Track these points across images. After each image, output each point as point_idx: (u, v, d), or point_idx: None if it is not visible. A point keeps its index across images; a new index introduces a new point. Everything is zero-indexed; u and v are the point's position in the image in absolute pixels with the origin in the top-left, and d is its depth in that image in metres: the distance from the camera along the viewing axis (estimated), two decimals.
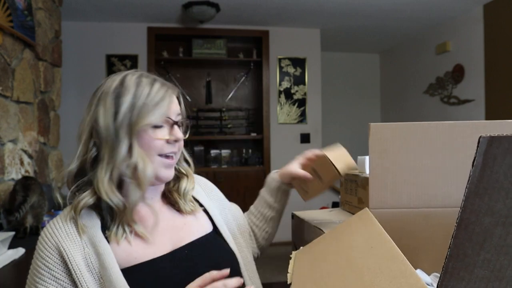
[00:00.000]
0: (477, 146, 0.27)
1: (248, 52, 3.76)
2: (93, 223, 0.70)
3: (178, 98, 0.78)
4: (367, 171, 1.07)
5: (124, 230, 0.70)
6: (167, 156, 0.73)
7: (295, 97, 3.77)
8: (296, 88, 3.77)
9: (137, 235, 0.71)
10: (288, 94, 3.76)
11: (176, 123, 0.74)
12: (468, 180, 0.28)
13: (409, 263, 0.42)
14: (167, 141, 0.72)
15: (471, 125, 0.68)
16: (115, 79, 0.73)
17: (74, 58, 3.25)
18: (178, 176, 0.83)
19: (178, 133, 0.74)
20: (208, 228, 0.83)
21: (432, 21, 3.50)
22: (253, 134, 3.73)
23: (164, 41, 3.61)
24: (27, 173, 2.07)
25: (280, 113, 3.75)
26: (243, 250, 0.86)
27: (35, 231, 1.67)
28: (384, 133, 0.70)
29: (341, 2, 3.01)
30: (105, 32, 3.39)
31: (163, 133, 0.72)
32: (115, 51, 3.41)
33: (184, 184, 0.82)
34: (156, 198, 0.79)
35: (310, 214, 1.28)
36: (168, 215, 0.79)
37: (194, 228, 0.80)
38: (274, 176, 0.98)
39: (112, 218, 0.71)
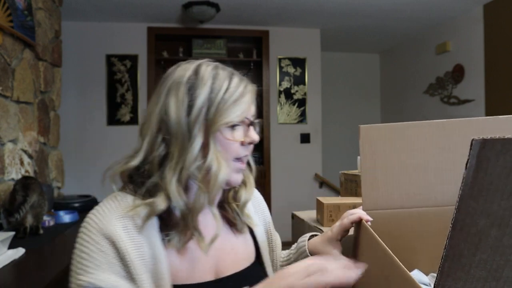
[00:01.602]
0: (470, 149, 0.27)
1: (248, 52, 3.76)
2: (152, 222, 0.61)
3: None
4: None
5: (180, 238, 0.62)
6: (239, 159, 0.66)
7: (295, 97, 3.77)
8: (296, 88, 3.77)
9: (185, 249, 0.63)
10: (288, 94, 3.76)
11: (252, 123, 0.67)
12: (462, 182, 0.29)
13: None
14: (242, 143, 0.65)
15: (462, 123, 0.69)
16: (188, 67, 0.66)
17: (74, 58, 3.25)
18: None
19: (254, 134, 0.66)
20: (252, 254, 0.74)
21: (432, 21, 3.50)
22: None
23: (164, 41, 3.61)
24: (27, 173, 2.07)
25: (280, 113, 3.75)
26: None
27: (35, 231, 1.67)
28: (374, 134, 0.70)
29: (341, 2, 3.01)
30: (105, 32, 3.39)
31: (239, 134, 0.65)
32: (115, 51, 3.41)
33: (243, 193, 0.73)
34: (215, 207, 0.69)
35: (310, 214, 1.28)
36: (221, 232, 0.69)
37: (240, 255, 0.71)
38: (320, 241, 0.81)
39: (172, 222, 0.62)
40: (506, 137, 0.26)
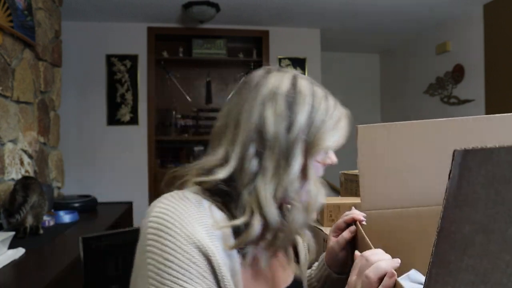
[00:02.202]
0: (452, 159, 0.28)
1: (248, 52, 3.76)
2: (228, 231, 0.56)
3: None
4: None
5: (265, 256, 0.59)
6: None
7: None
8: None
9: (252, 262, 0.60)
10: None
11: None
12: (445, 191, 0.29)
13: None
14: (324, 165, 0.63)
15: (460, 122, 0.69)
16: (283, 78, 0.61)
17: (74, 58, 3.26)
18: None
19: (334, 156, 0.64)
20: (293, 270, 0.71)
21: (432, 21, 3.50)
22: None
23: (164, 41, 3.61)
24: (27, 173, 2.08)
25: None
26: None
27: (35, 231, 1.68)
28: (371, 134, 0.71)
29: (341, 2, 3.01)
30: (105, 32, 3.40)
31: (323, 156, 0.63)
32: (115, 51, 3.41)
33: None
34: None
35: None
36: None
37: (286, 271, 0.69)
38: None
39: (250, 237, 0.56)
40: (487, 146, 0.26)
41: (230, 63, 3.81)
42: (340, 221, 0.73)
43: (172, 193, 0.58)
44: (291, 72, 0.64)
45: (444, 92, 3.54)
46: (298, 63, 3.76)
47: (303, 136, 0.58)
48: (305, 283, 0.75)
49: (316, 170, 0.60)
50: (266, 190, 0.55)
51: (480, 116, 0.70)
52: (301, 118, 0.58)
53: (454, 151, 0.27)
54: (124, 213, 2.41)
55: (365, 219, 0.70)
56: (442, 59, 3.57)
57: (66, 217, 2.01)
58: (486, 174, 0.28)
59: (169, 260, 0.50)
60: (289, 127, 0.57)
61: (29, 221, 1.66)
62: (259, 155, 0.57)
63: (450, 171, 0.29)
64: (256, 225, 0.55)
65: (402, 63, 4.28)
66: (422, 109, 3.90)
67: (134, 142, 3.41)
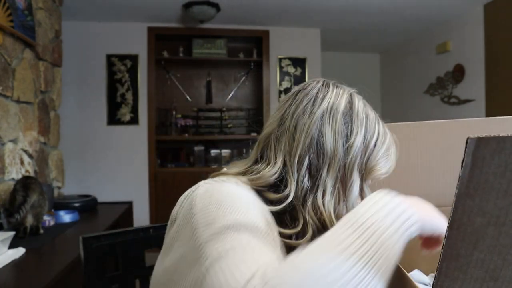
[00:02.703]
0: (465, 147, 0.27)
1: (248, 52, 3.76)
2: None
3: None
4: None
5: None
6: None
7: None
8: (296, 88, 3.77)
9: None
10: None
11: None
12: (458, 181, 0.29)
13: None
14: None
15: (463, 123, 0.69)
16: (341, 95, 0.62)
17: (74, 58, 3.25)
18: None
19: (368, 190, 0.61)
20: None
21: (432, 21, 3.50)
22: (253, 134, 3.73)
23: (164, 41, 3.61)
24: (27, 173, 2.08)
25: None
26: None
27: (35, 231, 1.67)
28: None
29: (341, 2, 3.01)
30: (105, 32, 3.40)
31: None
32: (115, 51, 3.41)
33: None
34: None
35: None
36: None
37: None
38: None
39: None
40: (500, 135, 0.26)
41: (230, 63, 3.81)
42: None
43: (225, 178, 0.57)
44: (347, 89, 0.65)
45: (444, 92, 3.54)
46: (298, 63, 3.76)
47: (359, 159, 0.58)
48: None
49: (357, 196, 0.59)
50: (328, 207, 0.56)
51: (487, 118, 0.70)
52: (358, 139, 0.58)
53: (468, 139, 0.27)
54: (124, 213, 2.40)
55: None
56: (442, 59, 3.57)
57: (66, 217, 2.00)
58: (499, 163, 0.27)
59: (222, 196, 0.48)
60: (347, 147, 0.57)
61: (29, 220, 1.66)
62: (317, 170, 0.57)
63: (463, 159, 0.28)
64: (308, 238, 0.55)
65: (402, 63, 4.28)
66: (422, 109, 3.90)
67: (134, 142, 3.40)
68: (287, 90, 3.76)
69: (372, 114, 0.63)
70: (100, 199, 2.57)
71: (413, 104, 4.08)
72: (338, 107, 0.59)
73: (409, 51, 4.13)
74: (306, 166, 0.57)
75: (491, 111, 3.03)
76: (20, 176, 1.97)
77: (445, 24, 3.50)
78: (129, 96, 3.43)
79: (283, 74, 3.75)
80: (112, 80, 3.41)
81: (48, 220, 1.88)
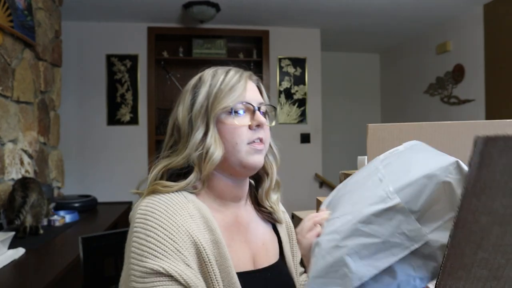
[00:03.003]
0: (474, 146, 0.27)
1: (248, 52, 3.75)
2: (205, 208, 0.67)
3: (259, 88, 0.77)
4: None
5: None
6: (252, 143, 0.70)
7: (295, 97, 3.77)
8: (296, 88, 3.77)
9: (230, 239, 0.69)
10: (288, 94, 3.76)
11: (258, 109, 0.71)
12: (465, 179, 0.28)
13: None
14: (250, 128, 0.70)
15: (469, 125, 0.69)
16: (195, 77, 0.75)
17: (74, 58, 3.25)
18: (260, 176, 0.79)
19: (260, 117, 0.70)
20: (277, 251, 0.78)
21: (432, 21, 3.50)
22: None
23: (164, 41, 3.61)
24: (27, 173, 2.07)
25: (280, 113, 3.75)
26: None
27: (35, 231, 1.67)
28: (381, 134, 0.71)
29: (341, 2, 3.01)
30: (105, 32, 3.39)
31: (244, 119, 0.70)
32: (115, 51, 3.41)
33: (267, 183, 0.78)
34: (247, 200, 0.77)
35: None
36: (258, 227, 0.76)
37: (270, 251, 0.76)
38: None
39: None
40: (509, 134, 0.26)
41: (230, 63, 3.79)
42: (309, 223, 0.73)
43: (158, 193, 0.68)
44: (215, 68, 0.76)
45: (444, 92, 3.54)
46: (298, 63, 3.76)
47: (203, 109, 0.69)
48: (291, 264, 0.78)
49: (231, 134, 0.68)
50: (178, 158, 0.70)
51: (491, 121, 0.70)
52: (200, 96, 0.70)
53: (476, 137, 0.27)
54: (124, 213, 2.40)
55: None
56: (442, 59, 3.57)
57: (66, 217, 2.00)
58: (507, 162, 0.27)
59: (150, 236, 0.59)
60: (192, 108, 0.70)
61: (29, 220, 1.66)
62: (176, 141, 0.72)
63: (470, 158, 0.28)
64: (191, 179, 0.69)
65: (402, 63, 4.28)
66: (422, 109, 3.90)
67: (134, 142, 3.40)
68: (287, 90, 3.76)
69: (222, 69, 0.74)
70: (100, 199, 2.57)
71: (413, 104, 4.08)
72: (188, 86, 0.73)
73: (409, 51, 4.13)
74: (171, 144, 0.73)
75: (491, 111, 3.03)
76: (20, 176, 1.96)
77: (445, 24, 3.50)
78: (129, 96, 3.43)
79: (283, 74, 3.75)
80: (112, 80, 3.40)
81: (54, 220, 1.88)
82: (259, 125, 0.70)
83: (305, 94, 3.78)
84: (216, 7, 3.03)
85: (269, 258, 0.74)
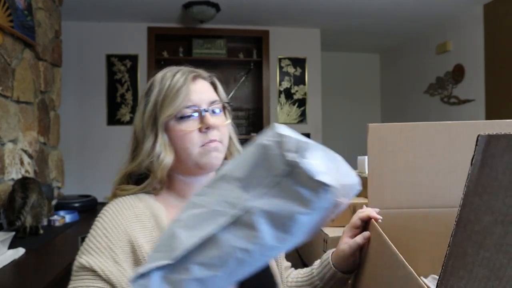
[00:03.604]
0: (476, 145, 0.27)
1: (248, 52, 3.75)
2: (158, 206, 0.69)
3: (214, 84, 0.76)
4: (367, 171, 1.07)
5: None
6: (204, 145, 0.69)
7: (295, 97, 3.77)
8: (296, 88, 3.77)
9: None
10: (288, 94, 3.76)
11: (205, 110, 0.69)
12: (467, 178, 0.28)
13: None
14: (200, 130, 0.68)
15: (470, 125, 0.68)
16: (149, 81, 0.74)
17: (74, 58, 3.25)
18: None
19: (209, 120, 0.68)
20: None
21: (432, 21, 3.50)
22: (253, 134, 3.73)
23: (164, 41, 3.61)
24: (27, 173, 2.07)
25: (280, 113, 3.75)
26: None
27: (35, 231, 1.67)
28: (382, 134, 0.70)
29: (341, 2, 3.01)
30: (105, 32, 3.39)
31: (192, 124, 0.68)
32: (115, 51, 3.41)
33: None
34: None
35: None
36: None
37: None
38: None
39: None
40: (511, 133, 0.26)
41: (230, 63, 3.80)
42: (355, 219, 0.72)
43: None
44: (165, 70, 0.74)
45: (444, 92, 3.54)
46: (298, 63, 3.76)
47: (152, 117, 0.69)
48: (275, 266, 0.77)
49: (182, 140, 0.68)
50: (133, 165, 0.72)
51: (492, 121, 0.69)
52: (150, 104, 0.69)
53: (479, 136, 0.27)
54: None
55: (381, 217, 0.68)
56: (442, 59, 3.57)
57: (66, 217, 2.00)
58: (509, 161, 0.27)
59: (92, 235, 0.65)
60: (143, 116, 0.70)
61: (29, 221, 1.65)
62: (135, 148, 0.72)
63: (473, 157, 0.28)
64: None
65: (402, 63, 4.29)
66: (422, 109, 3.90)
67: None
68: (287, 90, 3.76)
69: (170, 72, 0.72)
70: (100, 199, 2.57)
71: (413, 104, 4.08)
72: (143, 93, 0.73)
73: (409, 51, 4.13)
74: (132, 151, 0.73)
75: (491, 111, 3.03)
76: (20, 176, 1.96)
77: (445, 24, 3.50)
78: (129, 96, 3.42)
79: (283, 74, 3.75)
80: (112, 80, 3.40)
81: (54, 220, 1.88)
82: (208, 128, 0.69)
83: (305, 94, 3.78)
84: (216, 7, 3.03)
85: None
